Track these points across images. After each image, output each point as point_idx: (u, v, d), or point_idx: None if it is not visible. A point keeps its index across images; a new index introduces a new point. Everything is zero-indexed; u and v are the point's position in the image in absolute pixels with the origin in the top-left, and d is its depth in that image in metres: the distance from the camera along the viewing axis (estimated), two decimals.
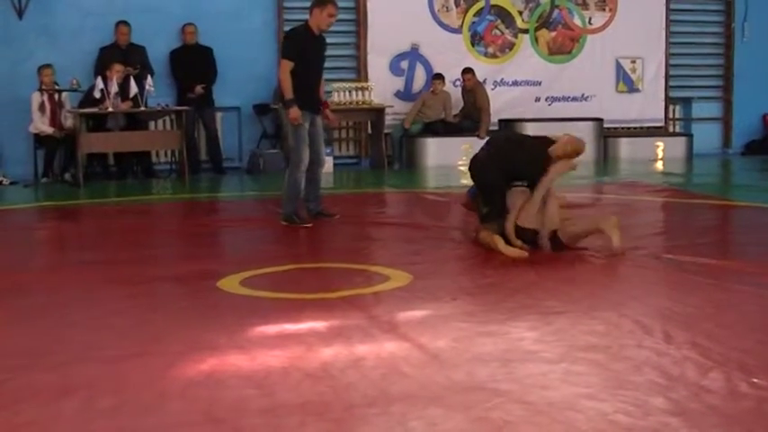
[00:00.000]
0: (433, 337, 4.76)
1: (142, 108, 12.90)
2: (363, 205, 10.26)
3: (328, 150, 14.29)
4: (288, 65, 8.59)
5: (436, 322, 5.10)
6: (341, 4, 15.08)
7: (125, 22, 13.66)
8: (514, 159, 7.38)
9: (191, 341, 4.78)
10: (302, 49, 8.73)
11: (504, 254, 7.02)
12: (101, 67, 13.21)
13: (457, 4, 15.64)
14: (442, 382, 4.05)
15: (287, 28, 14.79)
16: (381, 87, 14.94)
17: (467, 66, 15.15)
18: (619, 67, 16.43)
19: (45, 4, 13.77)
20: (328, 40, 14.78)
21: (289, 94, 8.55)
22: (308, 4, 14.72)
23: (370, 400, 3.83)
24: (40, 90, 12.86)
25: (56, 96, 12.94)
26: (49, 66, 12.96)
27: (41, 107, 12.85)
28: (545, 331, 4.84)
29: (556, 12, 16.14)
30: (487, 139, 8.04)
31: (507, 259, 6.94)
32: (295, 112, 8.53)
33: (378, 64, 15.24)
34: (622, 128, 16.40)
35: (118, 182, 13.28)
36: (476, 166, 7.51)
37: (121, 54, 13.49)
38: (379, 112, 14.49)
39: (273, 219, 9.09)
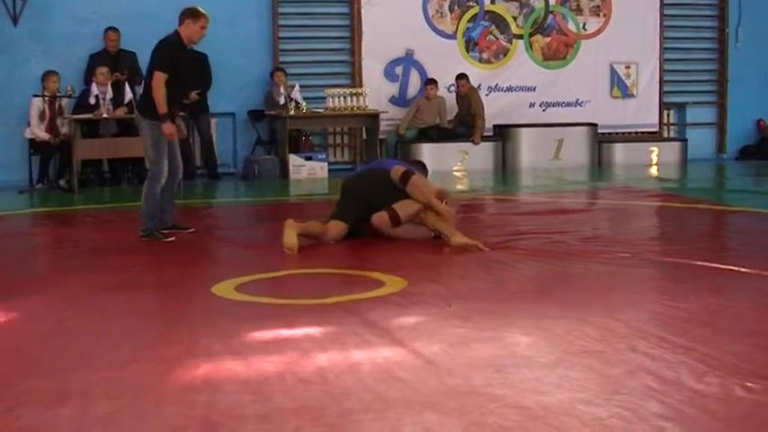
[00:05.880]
0: (428, 342, 4.76)
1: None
2: None
3: (322, 156, 14.36)
4: (162, 77, 8.29)
5: (431, 327, 5.10)
6: (336, 10, 15.29)
7: (114, 29, 13.67)
8: None
9: (186, 347, 4.78)
10: (174, 61, 8.46)
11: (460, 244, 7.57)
12: (90, 74, 13.24)
13: (451, 10, 15.67)
14: (437, 387, 4.05)
15: (281, 34, 14.90)
16: (376, 93, 14.95)
17: (461, 71, 15.16)
18: (613, 72, 16.46)
19: (40, 10, 13.77)
20: (322, 46, 15.15)
21: (163, 108, 8.26)
22: (303, 11, 15.06)
23: (365, 405, 3.83)
24: (42, 96, 12.84)
25: (56, 103, 12.93)
26: (54, 72, 12.96)
27: (41, 114, 12.84)
28: (540, 336, 4.85)
29: (550, 17, 16.17)
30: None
31: (502, 265, 6.95)
32: (170, 127, 8.32)
33: (372, 70, 15.26)
34: (617, 133, 16.43)
35: (112, 188, 13.28)
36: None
37: (111, 60, 13.51)
38: (373, 118, 14.48)
39: (268, 224, 9.09)
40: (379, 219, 8.02)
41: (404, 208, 7.99)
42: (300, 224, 7.82)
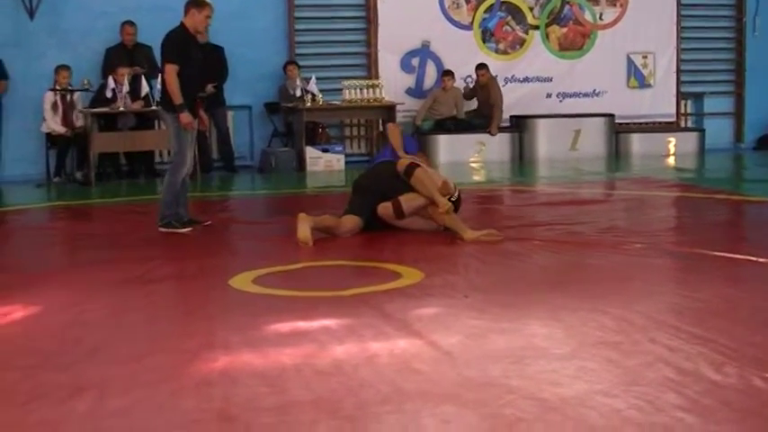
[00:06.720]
0: (446, 334, 4.75)
1: (153, 107, 12.92)
2: None
3: (339, 148, 14.35)
4: (174, 68, 8.31)
5: (448, 319, 5.10)
6: (351, 2, 15.27)
7: (130, 23, 13.68)
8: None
9: (203, 339, 4.78)
10: (184, 52, 8.46)
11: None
12: (107, 68, 13.28)
13: (467, 1, 15.62)
14: (454, 378, 4.05)
15: (297, 26, 14.88)
16: (392, 85, 14.93)
17: (480, 62, 15.13)
18: (630, 62, 16.39)
19: (56, 4, 13.80)
20: (338, 38, 15.10)
21: (178, 99, 8.30)
22: (318, 2, 15.02)
23: (382, 397, 3.83)
24: (54, 90, 12.89)
25: (68, 96, 12.98)
26: (66, 67, 13.01)
27: (54, 107, 12.89)
28: (557, 327, 4.84)
29: (566, 8, 16.11)
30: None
31: (519, 256, 6.94)
32: (187, 117, 8.34)
33: (388, 61, 15.24)
34: (634, 123, 16.35)
35: (129, 181, 13.30)
36: None
37: (127, 54, 13.52)
38: (390, 110, 14.45)
39: (285, 217, 9.09)
40: (384, 209, 8.03)
41: (409, 200, 7.99)
42: (313, 218, 7.83)
